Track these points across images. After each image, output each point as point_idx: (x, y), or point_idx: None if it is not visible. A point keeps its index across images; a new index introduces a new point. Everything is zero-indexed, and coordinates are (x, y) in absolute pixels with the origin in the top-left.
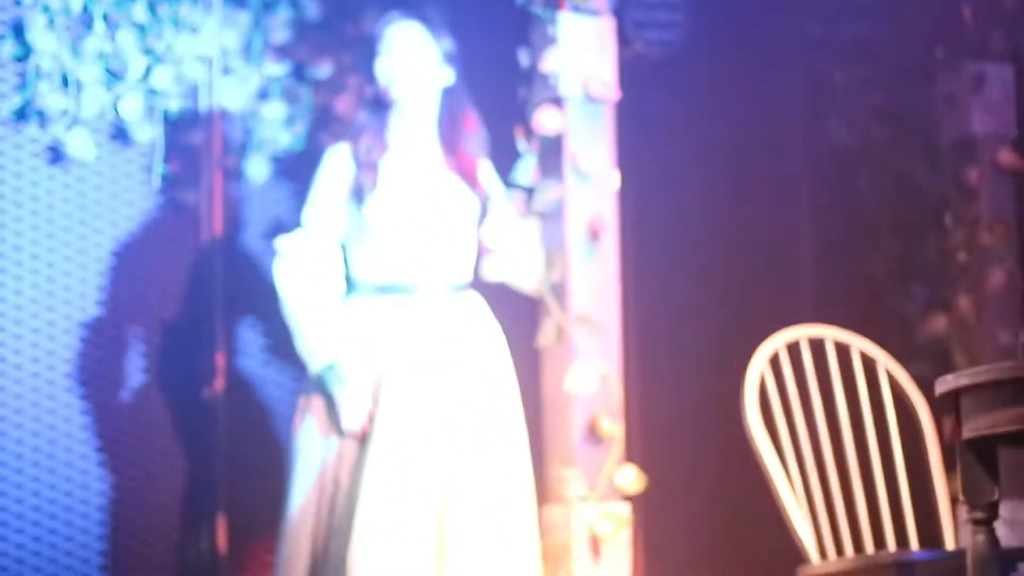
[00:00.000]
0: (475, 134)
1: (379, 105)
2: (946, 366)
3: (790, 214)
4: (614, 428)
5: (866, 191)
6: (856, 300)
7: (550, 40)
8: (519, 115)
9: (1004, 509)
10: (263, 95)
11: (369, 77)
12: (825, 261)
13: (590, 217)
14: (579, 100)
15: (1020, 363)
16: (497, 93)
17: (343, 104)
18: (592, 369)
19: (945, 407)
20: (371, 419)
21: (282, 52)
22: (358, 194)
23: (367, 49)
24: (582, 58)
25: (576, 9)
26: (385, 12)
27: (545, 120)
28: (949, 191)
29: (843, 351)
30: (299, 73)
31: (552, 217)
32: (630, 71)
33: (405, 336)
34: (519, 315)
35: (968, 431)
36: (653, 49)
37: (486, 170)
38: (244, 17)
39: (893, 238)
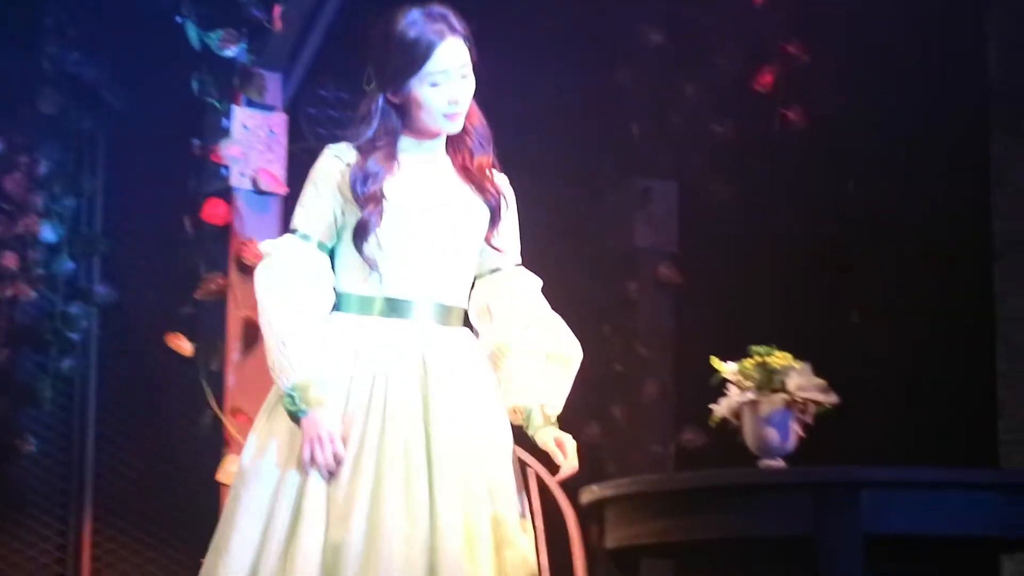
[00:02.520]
0: (482, 131)
1: (389, 113)
2: (599, 475)
3: None
4: None
5: None
6: None
7: (223, 131)
8: (190, 204)
9: None
10: None
11: (390, 79)
12: None
13: (251, 310)
14: (248, 193)
15: (662, 477)
16: (168, 180)
17: (12, 183)
18: None
19: (591, 515)
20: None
21: None
22: (367, 205)
23: (381, 45)
24: (253, 151)
25: (250, 103)
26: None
27: (213, 211)
28: (609, 302)
29: None
30: None
31: (214, 307)
32: (301, 164)
33: (398, 356)
34: None
35: (611, 541)
36: (325, 144)
37: (494, 172)
38: None
39: None
